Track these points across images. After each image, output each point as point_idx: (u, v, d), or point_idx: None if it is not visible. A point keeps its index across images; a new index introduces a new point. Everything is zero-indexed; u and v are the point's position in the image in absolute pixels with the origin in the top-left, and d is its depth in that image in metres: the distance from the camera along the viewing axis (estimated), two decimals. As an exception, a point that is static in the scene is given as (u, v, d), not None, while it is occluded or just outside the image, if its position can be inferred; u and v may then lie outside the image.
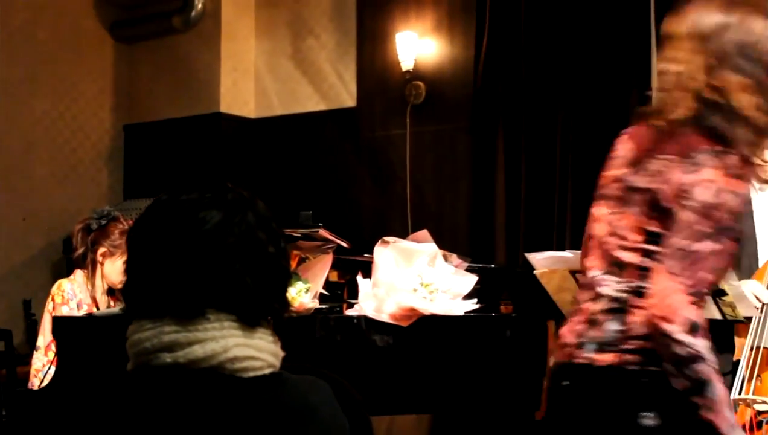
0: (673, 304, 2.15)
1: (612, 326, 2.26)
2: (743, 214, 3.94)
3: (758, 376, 3.98)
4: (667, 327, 2.13)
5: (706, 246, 2.18)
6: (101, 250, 4.17)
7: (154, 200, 1.60)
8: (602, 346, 2.26)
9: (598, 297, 2.33)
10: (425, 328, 3.48)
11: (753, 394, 3.96)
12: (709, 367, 2.13)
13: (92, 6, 7.74)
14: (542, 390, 3.89)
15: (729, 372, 4.09)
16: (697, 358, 2.13)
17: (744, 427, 3.90)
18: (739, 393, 3.97)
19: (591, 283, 2.37)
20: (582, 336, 2.32)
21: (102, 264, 4.20)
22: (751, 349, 4.02)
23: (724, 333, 4.23)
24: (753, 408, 3.92)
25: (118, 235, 4.17)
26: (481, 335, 3.71)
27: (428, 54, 6.81)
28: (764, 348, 4.00)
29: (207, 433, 1.45)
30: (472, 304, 3.63)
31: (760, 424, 3.89)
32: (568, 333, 2.39)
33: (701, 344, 2.13)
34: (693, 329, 2.14)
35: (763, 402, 3.90)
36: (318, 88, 7.34)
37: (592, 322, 2.32)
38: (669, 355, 2.15)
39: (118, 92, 7.91)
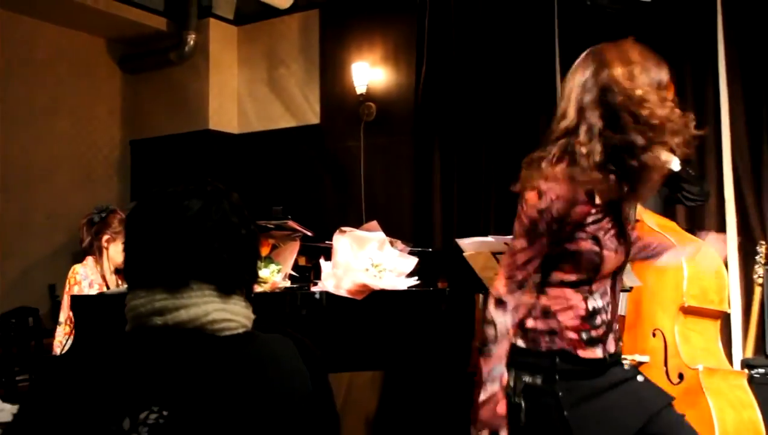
0: (495, 284, 2.21)
1: None
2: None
3: (620, 338, 4.01)
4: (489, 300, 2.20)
5: (518, 243, 2.19)
6: (105, 237, 4.20)
7: (147, 192, 1.59)
8: None
9: None
10: (376, 301, 3.48)
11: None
12: (492, 332, 2.16)
13: (104, 44, 7.71)
14: (472, 350, 3.90)
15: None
16: (488, 322, 2.17)
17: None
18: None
19: None
20: None
21: (107, 248, 4.21)
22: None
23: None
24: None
25: (117, 223, 4.19)
26: (421, 306, 3.73)
27: (378, 80, 6.81)
28: (621, 316, 4.04)
29: (191, 382, 1.44)
30: (414, 281, 3.64)
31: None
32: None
33: (495, 314, 2.17)
34: (498, 302, 2.18)
35: (625, 360, 3.94)
36: (288, 108, 7.33)
37: None
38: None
39: (125, 113, 7.87)
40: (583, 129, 2.14)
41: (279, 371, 1.51)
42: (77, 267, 4.23)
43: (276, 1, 7.07)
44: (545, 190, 2.12)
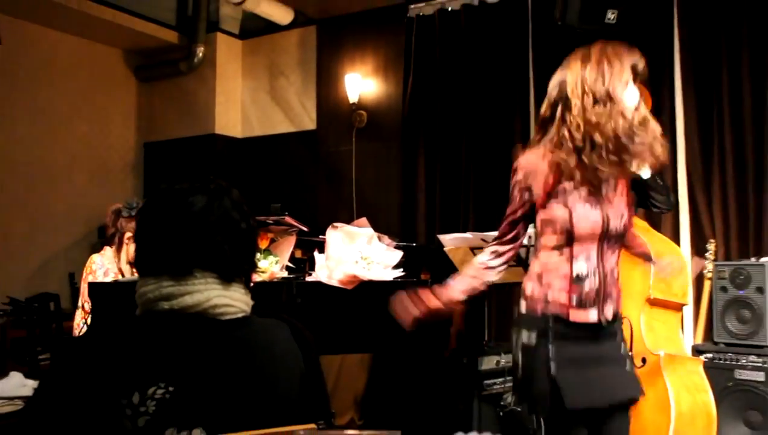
0: None
1: None
2: None
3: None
4: None
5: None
6: (128, 234, 4.13)
7: (156, 189, 1.59)
8: None
9: None
10: (365, 290, 3.48)
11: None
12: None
13: (121, 55, 7.68)
14: (450, 335, 3.91)
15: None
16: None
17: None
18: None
19: None
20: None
21: (128, 244, 4.16)
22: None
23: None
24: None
25: None
26: (405, 295, 3.72)
27: (369, 90, 6.81)
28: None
29: (195, 361, 1.44)
30: (399, 273, 3.64)
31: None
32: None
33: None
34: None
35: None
36: (287, 115, 7.31)
37: None
38: None
39: (139, 118, 7.84)
40: (556, 119, 2.35)
41: (274, 352, 1.52)
42: (95, 256, 4.21)
43: (277, 17, 7.06)
44: (516, 166, 2.37)
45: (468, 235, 3.63)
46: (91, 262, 4.16)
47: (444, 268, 3.86)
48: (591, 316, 2.30)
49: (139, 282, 1.52)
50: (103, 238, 4.50)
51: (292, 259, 3.79)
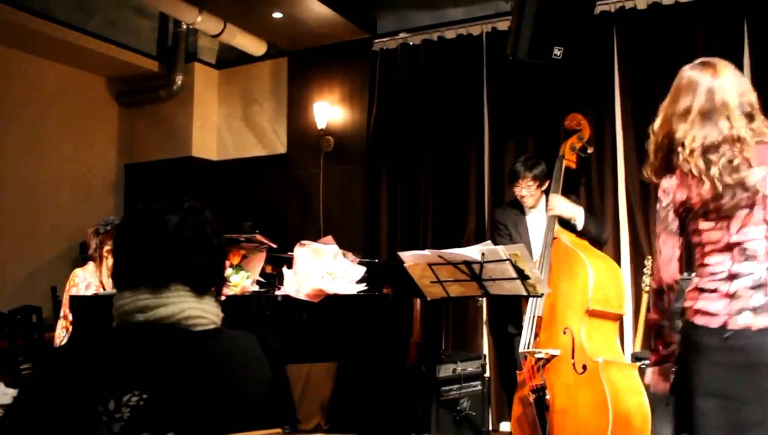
0: None
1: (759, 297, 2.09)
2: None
3: (537, 335, 4.06)
4: None
5: None
6: (107, 247, 4.10)
7: (134, 208, 1.58)
8: (757, 311, 2.08)
9: (733, 278, 2.14)
10: (330, 303, 3.46)
11: (533, 347, 4.04)
12: None
13: (104, 82, 7.60)
14: (410, 345, 3.90)
15: (519, 332, 4.17)
16: None
17: (531, 370, 3.98)
18: (526, 347, 4.04)
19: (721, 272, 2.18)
20: (731, 306, 2.12)
21: (107, 257, 4.12)
22: (532, 317, 4.10)
23: (516, 303, 4.32)
24: (534, 357, 3.99)
25: None
26: (368, 308, 3.71)
27: (336, 118, 6.82)
28: (539, 316, 4.09)
29: (168, 370, 1.43)
30: (363, 287, 3.62)
31: (539, 368, 3.97)
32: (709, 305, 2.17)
33: None
34: None
35: (539, 352, 3.98)
36: (260, 140, 7.29)
37: (735, 296, 2.12)
38: None
39: (121, 141, 7.74)
40: None
41: (243, 361, 1.51)
42: (78, 271, 4.16)
43: (251, 49, 7.05)
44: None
45: (426, 252, 3.64)
46: (74, 275, 4.12)
47: (404, 283, 3.87)
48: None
49: (116, 296, 1.51)
50: (85, 253, 4.45)
51: (262, 274, 3.76)
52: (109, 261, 4.11)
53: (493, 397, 5.46)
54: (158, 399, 1.39)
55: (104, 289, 4.06)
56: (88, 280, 4.11)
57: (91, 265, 4.17)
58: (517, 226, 4.52)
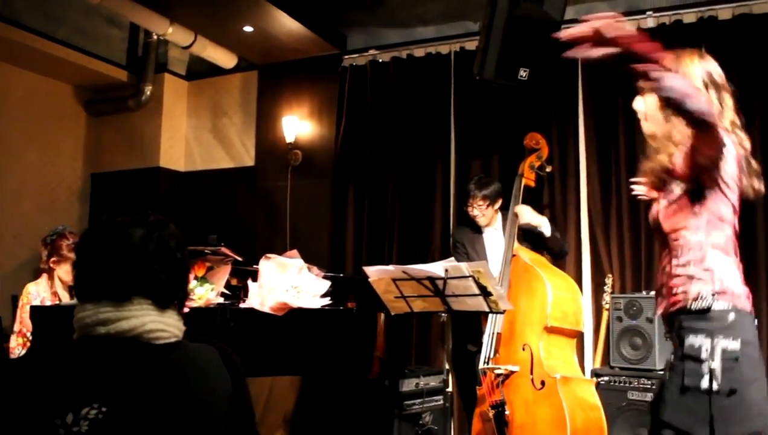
0: None
1: None
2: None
3: (497, 351, 4.09)
4: None
5: None
6: (53, 259, 4.08)
7: (98, 221, 1.57)
8: None
9: None
10: (294, 317, 3.46)
11: (493, 363, 4.07)
12: None
13: (72, 90, 7.50)
14: (374, 359, 3.91)
15: (479, 350, 4.20)
16: None
17: (491, 386, 4.00)
18: (486, 363, 4.07)
19: None
20: None
21: (54, 269, 4.09)
22: (491, 334, 4.13)
23: (476, 321, 4.35)
24: (493, 373, 4.02)
25: (64, 247, 4.07)
26: (332, 322, 3.72)
27: (305, 132, 6.82)
28: (498, 333, 4.12)
29: (128, 383, 1.42)
30: (327, 301, 3.63)
31: (498, 384, 4.00)
32: None
33: None
34: None
35: (498, 368, 4.01)
36: (228, 152, 7.26)
37: None
38: None
39: (88, 150, 7.64)
40: None
41: (204, 374, 1.50)
42: (30, 286, 4.11)
43: (222, 61, 7.03)
44: None
45: (391, 267, 3.66)
46: (27, 292, 4.07)
47: (369, 297, 3.88)
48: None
49: (77, 308, 1.50)
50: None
51: (227, 286, 3.74)
52: (59, 269, 4.07)
53: (456, 412, 5.47)
54: (117, 412, 1.38)
55: (60, 300, 4.01)
56: (42, 295, 4.06)
57: (43, 277, 4.11)
58: (474, 244, 4.56)
